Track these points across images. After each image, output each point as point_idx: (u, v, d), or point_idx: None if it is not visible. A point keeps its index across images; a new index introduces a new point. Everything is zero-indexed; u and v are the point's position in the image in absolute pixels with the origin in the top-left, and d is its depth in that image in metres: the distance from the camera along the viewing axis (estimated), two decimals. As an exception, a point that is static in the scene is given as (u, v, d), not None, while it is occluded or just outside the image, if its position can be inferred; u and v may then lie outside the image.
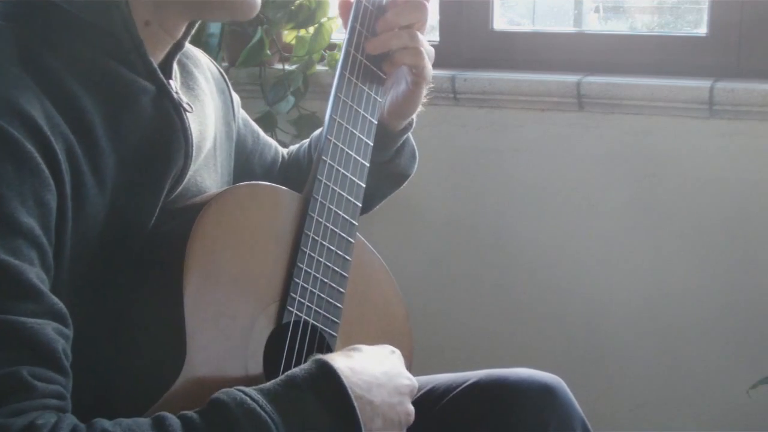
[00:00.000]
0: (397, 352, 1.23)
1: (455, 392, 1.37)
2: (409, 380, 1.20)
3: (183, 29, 1.21)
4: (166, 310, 1.10)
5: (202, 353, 1.10)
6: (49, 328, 0.98)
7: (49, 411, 0.96)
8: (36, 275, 0.99)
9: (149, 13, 1.15)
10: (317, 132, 1.52)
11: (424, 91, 1.39)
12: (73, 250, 1.07)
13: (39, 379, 0.96)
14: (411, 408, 1.18)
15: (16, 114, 1.01)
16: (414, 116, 1.44)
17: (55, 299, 1.01)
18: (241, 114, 1.48)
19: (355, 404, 1.07)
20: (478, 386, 1.35)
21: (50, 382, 0.97)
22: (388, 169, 1.47)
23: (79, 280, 1.09)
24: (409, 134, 1.47)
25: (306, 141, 1.57)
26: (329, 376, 1.07)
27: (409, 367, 1.38)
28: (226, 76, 1.44)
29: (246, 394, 1.03)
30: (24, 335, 0.96)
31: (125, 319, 1.12)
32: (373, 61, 1.31)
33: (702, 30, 2.27)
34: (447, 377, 1.40)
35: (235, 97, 1.46)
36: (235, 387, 1.04)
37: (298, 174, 1.49)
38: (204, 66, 1.38)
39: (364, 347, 1.19)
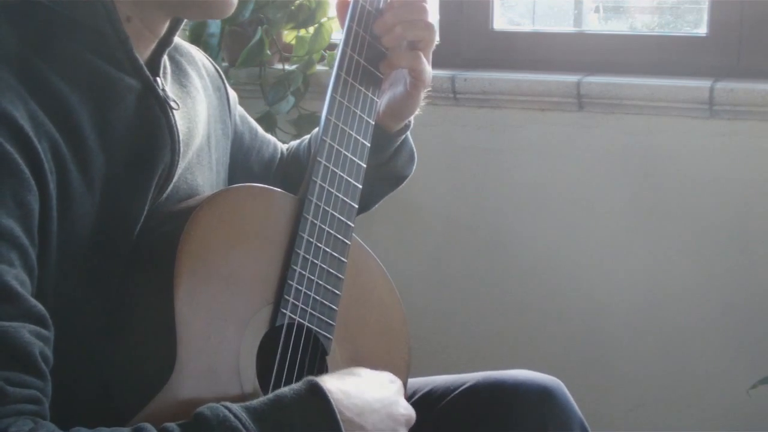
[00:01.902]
0: (398, 381, 1.21)
1: (453, 394, 1.36)
2: (405, 410, 1.17)
3: (165, 26, 1.20)
4: (157, 312, 1.10)
5: (193, 356, 1.09)
6: (24, 330, 0.97)
7: (24, 417, 0.95)
8: (15, 277, 0.98)
9: (130, 9, 1.14)
10: (317, 129, 1.51)
11: (423, 94, 1.38)
12: (61, 249, 1.07)
13: (13, 384, 0.95)
14: None
15: None
16: (411, 118, 1.43)
17: (34, 301, 1.00)
18: (239, 110, 1.48)
19: (342, 428, 1.05)
20: (477, 388, 1.35)
21: (25, 387, 0.96)
22: (385, 171, 1.46)
23: (68, 280, 1.08)
24: (408, 135, 1.47)
25: (307, 137, 1.57)
26: (318, 397, 1.05)
27: (408, 368, 1.38)
28: (222, 73, 1.43)
29: (231, 411, 1.01)
30: None
31: (116, 320, 1.12)
32: (370, 61, 1.31)
33: (702, 30, 2.27)
34: (445, 379, 1.40)
35: (232, 93, 1.45)
36: (221, 402, 1.02)
37: (297, 171, 1.48)
38: (199, 63, 1.37)
39: (363, 371, 1.17)
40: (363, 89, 1.29)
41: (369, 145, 1.30)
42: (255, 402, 1.04)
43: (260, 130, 1.53)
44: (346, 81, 1.28)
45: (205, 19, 1.29)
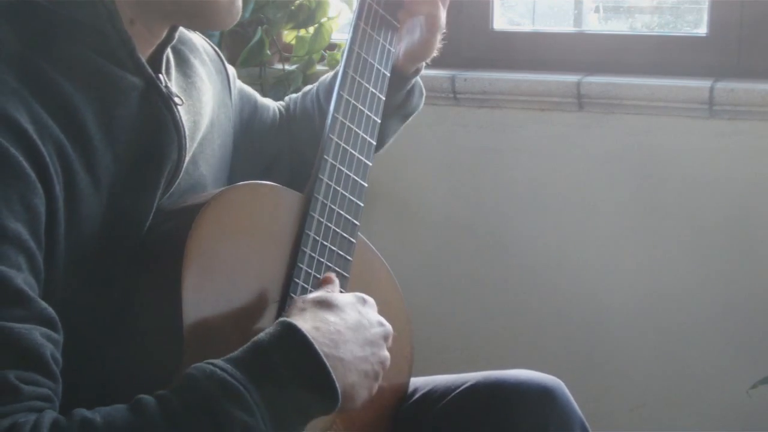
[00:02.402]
0: (370, 300, 1.20)
1: (454, 394, 1.36)
2: (380, 326, 1.17)
3: (166, 32, 1.21)
4: (163, 309, 1.10)
5: (200, 354, 1.09)
6: (36, 333, 0.98)
7: (33, 412, 0.96)
8: (24, 280, 0.99)
9: (133, 12, 1.14)
10: (325, 77, 1.51)
11: (439, 37, 1.41)
12: (69, 250, 1.07)
13: (26, 383, 0.96)
14: (385, 354, 1.16)
15: (1, 119, 1.01)
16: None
17: (44, 304, 1.01)
18: (237, 85, 1.48)
19: (327, 362, 1.05)
20: (477, 388, 1.35)
21: (38, 386, 0.97)
22: (400, 111, 1.48)
23: (76, 280, 1.09)
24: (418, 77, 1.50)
25: (309, 87, 1.56)
26: (295, 336, 1.05)
27: (411, 367, 1.38)
28: (221, 54, 1.43)
29: (215, 365, 1.02)
30: (11, 340, 0.96)
31: (123, 318, 1.12)
32: (388, 10, 1.33)
33: (702, 30, 2.27)
34: (446, 379, 1.40)
35: (231, 70, 1.45)
36: (206, 360, 1.03)
37: (306, 128, 1.49)
38: (200, 49, 1.38)
39: (326, 300, 1.15)
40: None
41: (375, 143, 1.31)
42: (236, 353, 1.04)
43: (258, 98, 1.53)
44: (353, 79, 1.29)
45: (207, 30, 1.30)
